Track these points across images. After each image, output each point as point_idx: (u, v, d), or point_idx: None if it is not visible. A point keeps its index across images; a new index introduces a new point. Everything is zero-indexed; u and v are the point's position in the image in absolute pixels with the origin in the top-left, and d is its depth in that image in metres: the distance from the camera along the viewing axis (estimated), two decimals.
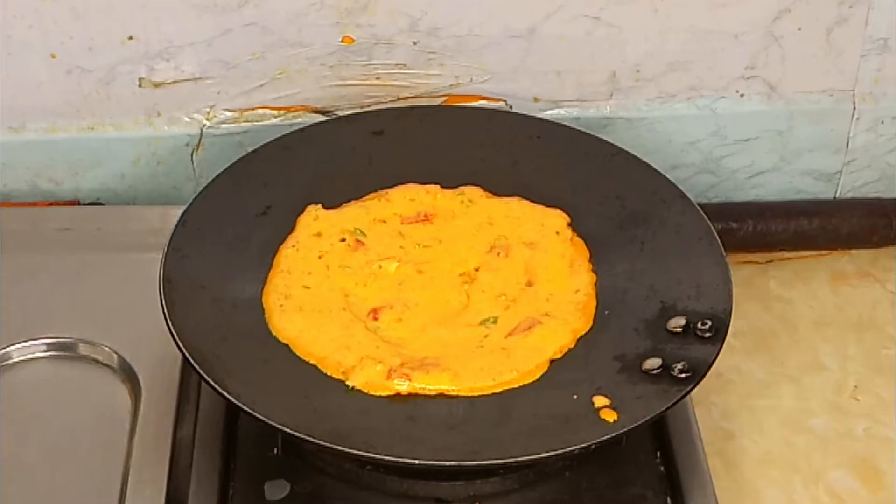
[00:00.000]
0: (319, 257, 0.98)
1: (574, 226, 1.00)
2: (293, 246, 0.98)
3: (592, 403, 0.87)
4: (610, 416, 0.86)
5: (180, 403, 0.93)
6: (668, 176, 1.02)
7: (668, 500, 0.89)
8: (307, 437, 0.83)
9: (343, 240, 0.99)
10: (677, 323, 0.91)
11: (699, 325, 0.90)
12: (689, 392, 0.86)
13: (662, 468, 0.91)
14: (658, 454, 0.92)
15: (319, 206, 1.01)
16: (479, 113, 1.10)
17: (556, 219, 1.01)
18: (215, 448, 0.91)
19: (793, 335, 1.08)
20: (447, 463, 0.84)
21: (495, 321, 0.94)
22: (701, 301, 0.92)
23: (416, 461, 0.83)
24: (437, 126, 1.08)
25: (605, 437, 0.84)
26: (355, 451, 0.83)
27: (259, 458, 0.91)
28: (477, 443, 0.85)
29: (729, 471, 0.97)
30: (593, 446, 0.84)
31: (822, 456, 0.98)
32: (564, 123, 1.08)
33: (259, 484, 0.89)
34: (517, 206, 1.02)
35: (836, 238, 1.14)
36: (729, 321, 0.90)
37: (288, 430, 0.83)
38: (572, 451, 0.84)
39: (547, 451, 0.83)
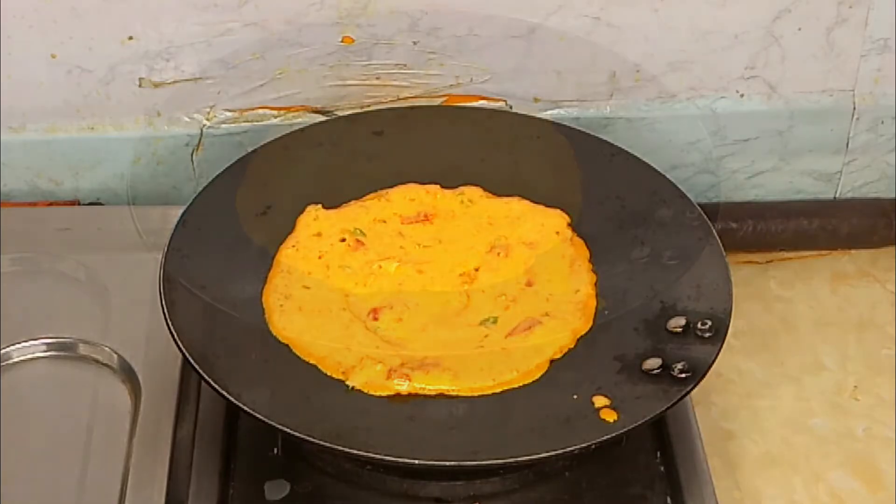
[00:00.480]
0: (319, 257, 0.98)
1: (574, 226, 1.00)
2: (293, 246, 0.98)
3: (592, 403, 0.87)
4: (610, 416, 0.86)
5: (180, 403, 0.93)
6: (668, 176, 1.02)
7: (668, 500, 0.89)
8: (307, 437, 0.83)
9: (343, 240, 0.99)
10: (677, 323, 0.91)
11: (699, 325, 0.90)
12: (689, 392, 0.86)
13: (662, 468, 0.91)
14: (658, 454, 0.92)
15: (319, 206, 1.01)
16: (479, 113, 1.10)
17: (556, 219, 1.01)
18: (215, 448, 0.91)
19: (793, 335, 1.07)
20: (447, 463, 0.84)
21: (495, 321, 0.94)
22: (701, 301, 0.92)
23: (416, 461, 0.83)
24: (437, 126, 1.08)
25: (605, 437, 0.84)
26: (355, 451, 0.83)
27: (259, 458, 0.91)
28: (477, 443, 0.85)
29: (729, 471, 0.97)
30: (593, 446, 0.84)
31: (822, 456, 0.98)
32: (564, 123, 1.08)
33: (259, 484, 0.89)
34: (517, 206, 1.02)
35: (836, 238, 1.14)
36: (729, 321, 0.90)
37: (288, 430, 0.83)
38: (572, 451, 0.84)
39: (547, 451, 0.83)
